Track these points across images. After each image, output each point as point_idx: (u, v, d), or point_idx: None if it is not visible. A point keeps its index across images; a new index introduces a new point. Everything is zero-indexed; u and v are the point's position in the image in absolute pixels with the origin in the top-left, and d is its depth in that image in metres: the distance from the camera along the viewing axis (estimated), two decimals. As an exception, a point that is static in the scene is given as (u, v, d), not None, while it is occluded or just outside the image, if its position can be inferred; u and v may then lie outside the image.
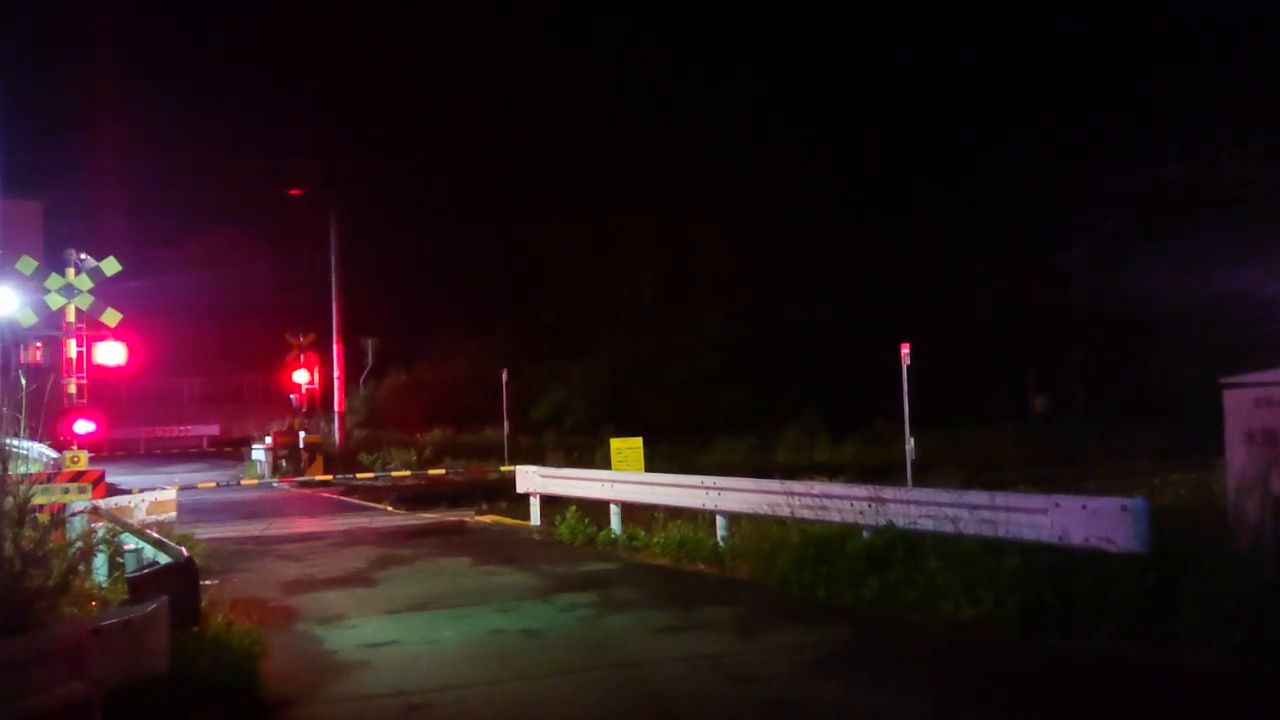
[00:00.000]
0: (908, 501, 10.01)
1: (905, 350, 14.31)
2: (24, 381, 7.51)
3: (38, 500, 8.36)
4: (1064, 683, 7.11)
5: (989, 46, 46.08)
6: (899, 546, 9.69)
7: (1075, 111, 39.07)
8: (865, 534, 10.31)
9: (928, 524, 9.64)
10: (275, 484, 26.40)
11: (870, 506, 10.29)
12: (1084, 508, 8.33)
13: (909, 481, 13.21)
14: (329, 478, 18.53)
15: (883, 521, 10.11)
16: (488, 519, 18.42)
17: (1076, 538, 8.30)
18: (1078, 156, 37.55)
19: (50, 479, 10.37)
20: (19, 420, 7.46)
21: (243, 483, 18.39)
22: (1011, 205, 36.25)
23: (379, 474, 18.69)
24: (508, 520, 17.91)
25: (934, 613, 8.72)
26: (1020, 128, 39.65)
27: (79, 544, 8.42)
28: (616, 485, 15.11)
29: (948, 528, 9.37)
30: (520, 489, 17.56)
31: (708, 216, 39.09)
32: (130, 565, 9.61)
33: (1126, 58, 38.21)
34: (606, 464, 17.19)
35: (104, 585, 9.37)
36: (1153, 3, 44.03)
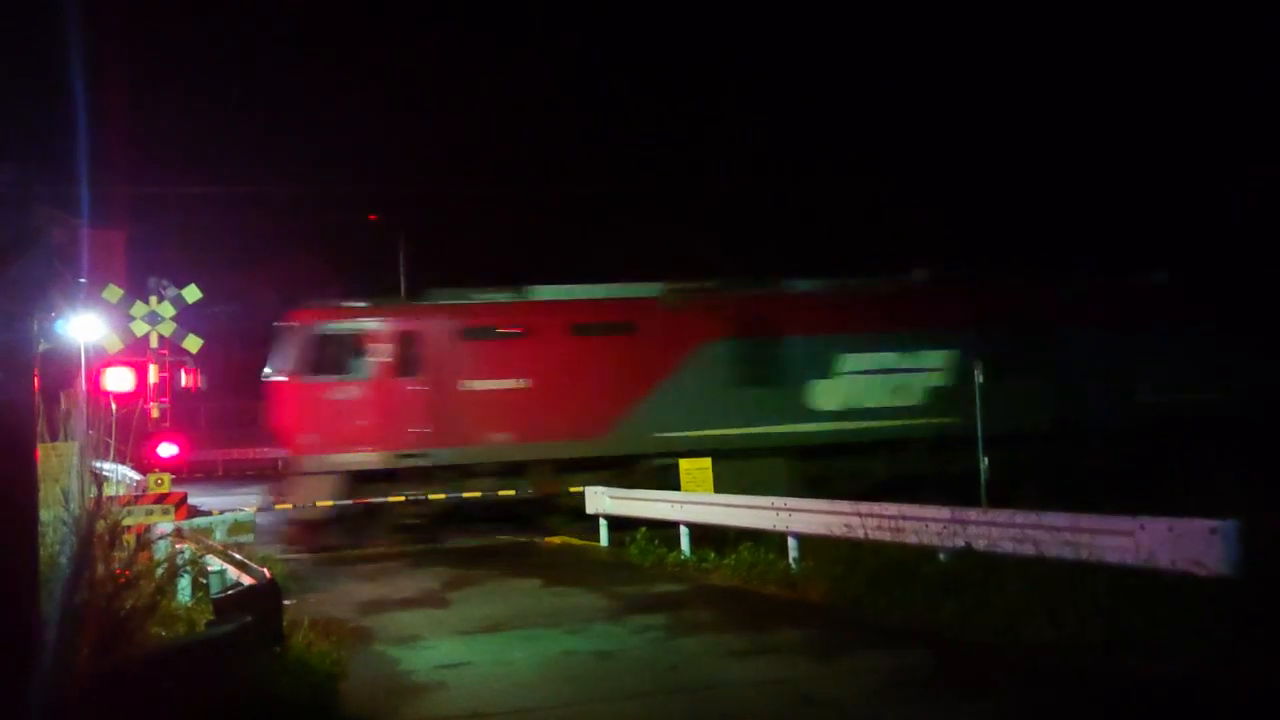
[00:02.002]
0: (987, 523, 9.81)
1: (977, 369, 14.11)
2: (113, 406, 7.75)
3: (125, 522, 8.61)
4: (1151, 709, 6.89)
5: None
6: (977, 569, 9.49)
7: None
8: (942, 556, 10.13)
9: (1007, 546, 9.43)
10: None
11: (947, 528, 10.11)
12: (1170, 529, 8.08)
13: (983, 501, 12.98)
14: (401, 498, 18.79)
15: (960, 543, 9.92)
16: (557, 540, 18.48)
17: (1163, 560, 8.05)
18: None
19: (135, 501, 10.68)
20: (108, 444, 7.71)
21: (317, 504, 18.80)
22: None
23: (450, 495, 18.87)
24: (576, 541, 17.95)
25: (1014, 636, 8.51)
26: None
27: (164, 566, 8.64)
28: (685, 506, 15.06)
29: (1028, 550, 9.16)
30: (589, 510, 17.60)
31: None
32: (214, 586, 9.84)
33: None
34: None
35: (189, 606, 9.60)
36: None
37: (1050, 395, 20.04)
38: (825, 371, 19.94)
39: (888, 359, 20.20)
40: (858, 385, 20.00)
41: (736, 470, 18.15)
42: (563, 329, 19.04)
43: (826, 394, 19.92)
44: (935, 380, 20.22)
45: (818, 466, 19.25)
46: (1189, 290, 21.92)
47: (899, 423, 19.83)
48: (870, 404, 19.98)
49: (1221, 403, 20.00)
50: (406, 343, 18.33)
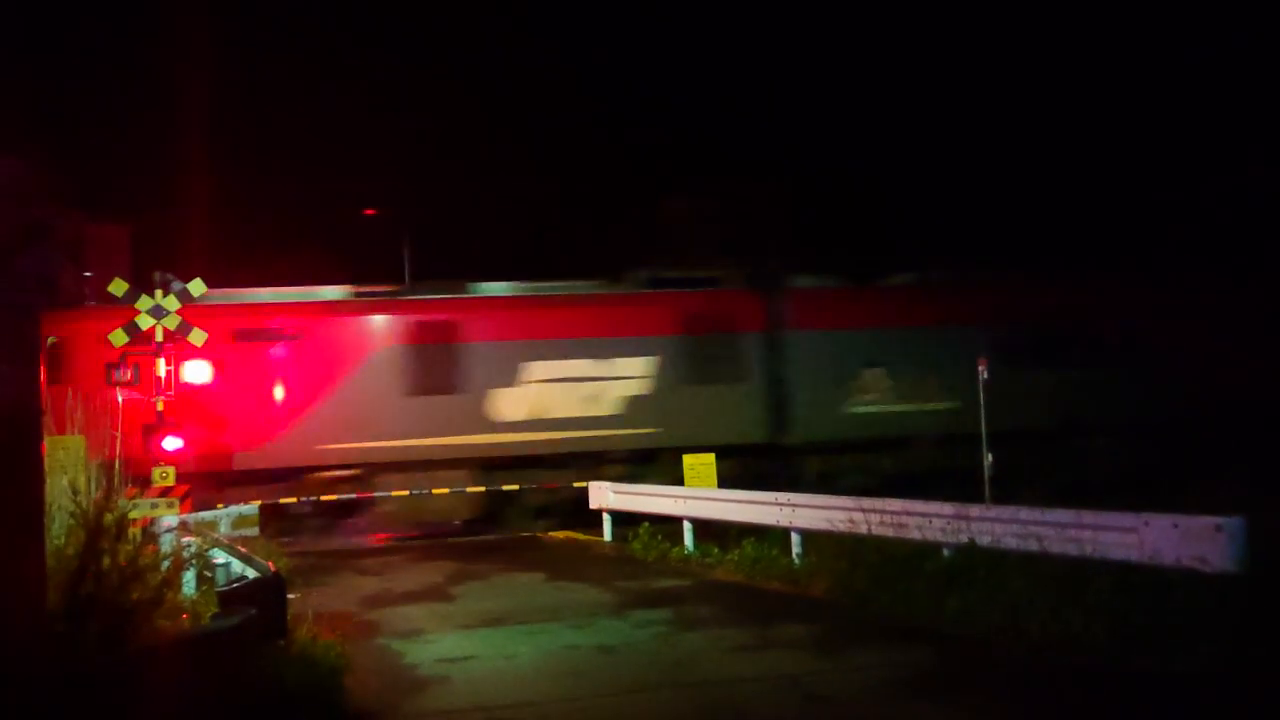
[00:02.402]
0: (991, 519, 9.81)
1: (982, 365, 14.11)
2: (120, 399, 7.77)
3: (131, 515, 8.63)
4: (1155, 706, 6.88)
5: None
6: (981, 565, 9.49)
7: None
8: (946, 552, 10.13)
9: (1011, 542, 9.43)
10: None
11: (951, 524, 10.11)
12: (1175, 526, 8.07)
13: (986, 497, 12.97)
14: (404, 492, 18.84)
15: (964, 539, 9.93)
16: (560, 535, 18.52)
17: (1168, 557, 8.04)
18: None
19: (140, 494, 10.70)
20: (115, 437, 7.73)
21: (323, 499, 18.82)
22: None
23: (454, 489, 18.91)
24: (580, 536, 17.98)
25: (1018, 633, 8.51)
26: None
27: (170, 559, 8.66)
28: (689, 501, 15.08)
29: (1032, 546, 9.15)
30: (593, 505, 17.63)
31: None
32: (219, 579, 9.86)
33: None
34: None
35: (193, 598, 9.62)
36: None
37: (754, 405, 19.62)
38: (512, 380, 19.16)
39: (583, 367, 19.42)
40: (550, 395, 19.20)
41: (408, 484, 17.93)
42: (223, 336, 18.06)
43: (514, 404, 19.13)
44: (637, 389, 19.54)
45: (507, 479, 18.71)
46: (937, 292, 21.28)
47: (594, 434, 19.15)
48: (563, 414, 19.16)
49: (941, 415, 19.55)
50: (54, 351, 16.86)
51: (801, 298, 20.66)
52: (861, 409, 20.13)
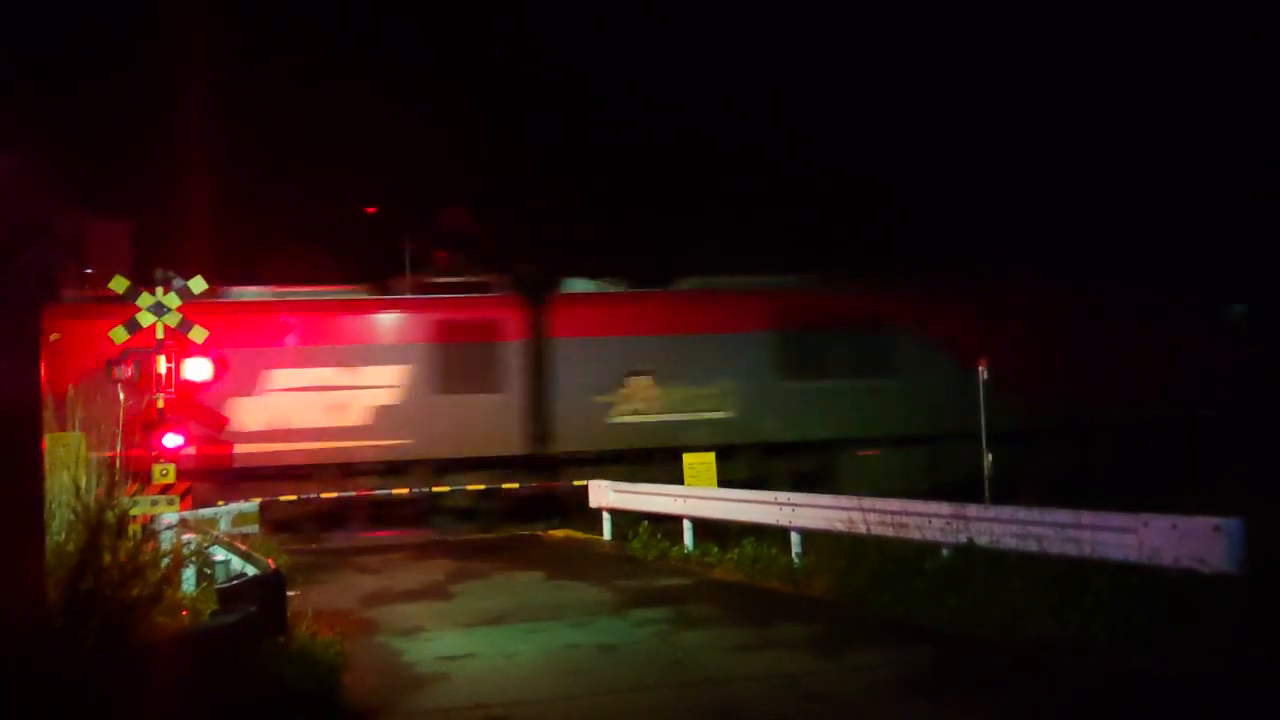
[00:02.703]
0: (990, 519, 9.82)
1: (982, 365, 14.12)
2: (121, 397, 7.78)
3: (132, 512, 8.64)
4: (1153, 706, 6.89)
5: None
6: (980, 565, 9.50)
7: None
8: (945, 551, 10.14)
9: (1010, 542, 9.44)
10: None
11: (950, 524, 10.12)
12: (1174, 527, 8.08)
13: (986, 498, 12.98)
14: (405, 491, 18.87)
15: (963, 539, 9.93)
16: (560, 533, 18.52)
17: (1167, 558, 8.05)
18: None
19: (141, 491, 10.71)
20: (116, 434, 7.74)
21: (322, 495, 18.86)
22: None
23: (454, 488, 18.94)
24: (580, 535, 17.99)
25: (1017, 633, 8.52)
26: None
27: (170, 555, 8.67)
28: (689, 501, 15.08)
29: (1031, 546, 9.16)
30: (593, 504, 17.64)
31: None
32: (219, 576, 9.87)
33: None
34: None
35: (193, 595, 9.63)
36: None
37: (512, 415, 19.04)
38: (252, 388, 18.46)
39: (330, 376, 18.76)
40: (293, 404, 18.51)
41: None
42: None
43: (254, 413, 18.37)
44: (387, 399, 18.94)
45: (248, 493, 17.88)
46: (721, 299, 20.58)
47: (339, 445, 18.55)
48: (306, 425, 18.50)
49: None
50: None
51: (569, 304, 19.90)
52: (627, 419, 19.35)
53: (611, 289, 20.59)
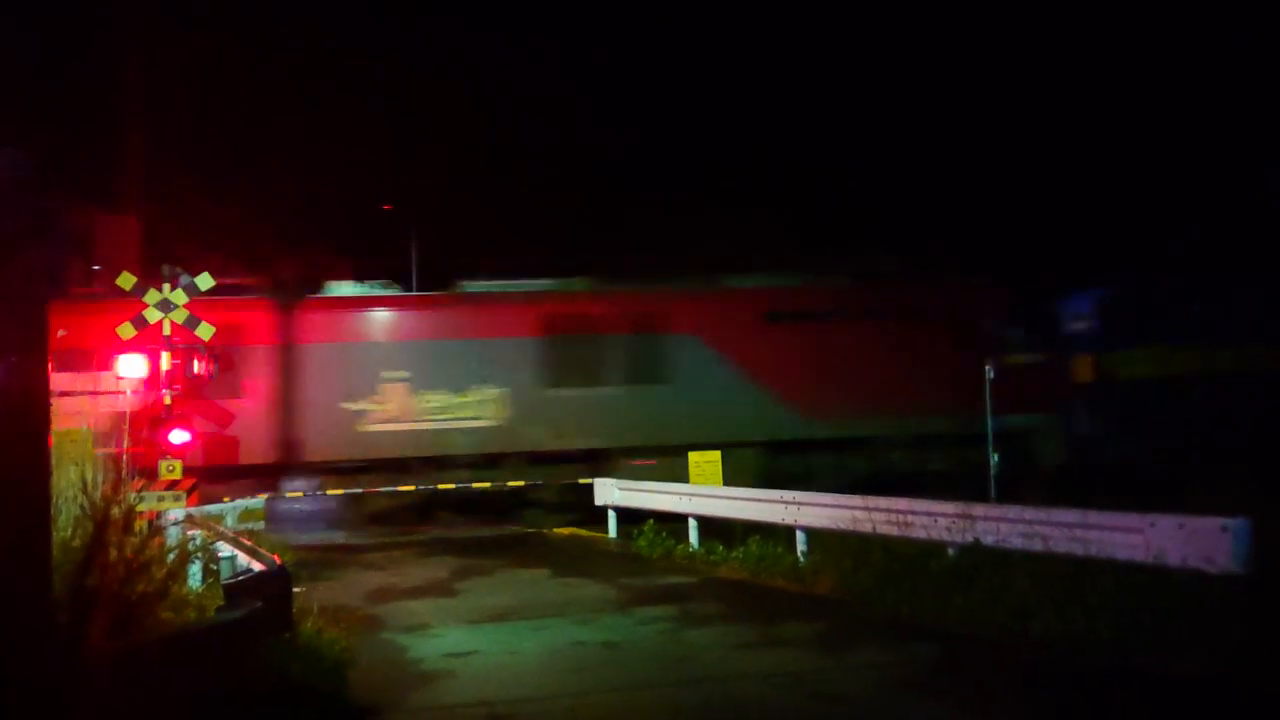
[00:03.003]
0: (996, 519, 9.80)
1: (989, 365, 14.11)
2: (128, 393, 7.79)
3: (138, 508, 8.67)
4: (1159, 706, 6.87)
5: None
6: (986, 564, 9.48)
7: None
8: (951, 551, 10.13)
9: (1016, 541, 9.42)
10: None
11: (956, 523, 10.10)
12: (1181, 526, 8.05)
13: (992, 496, 12.96)
14: (410, 488, 18.88)
15: (969, 538, 9.92)
16: (565, 531, 18.54)
17: (1173, 558, 8.02)
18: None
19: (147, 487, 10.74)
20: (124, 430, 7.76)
21: (329, 492, 18.89)
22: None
23: (459, 485, 18.94)
24: (585, 533, 18.00)
25: (1022, 632, 8.50)
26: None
27: (176, 552, 8.69)
28: (694, 499, 15.08)
29: (1037, 546, 9.14)
30: (598, 502, 17.64)
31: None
32: (225, 572, 9.89)
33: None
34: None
35: (199, 591, 9.66)
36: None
37: (258, 424, 18.00)
38: None
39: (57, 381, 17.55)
40: None
41: None
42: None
43: None
44: (117, 406, 17.58)
45: None
46: (491, 303, 19.56)
47: None
48: None
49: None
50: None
51: (323, 308, 18.91)
52: (378, 427, 18.48)
53: (382, 292, 19.71)
